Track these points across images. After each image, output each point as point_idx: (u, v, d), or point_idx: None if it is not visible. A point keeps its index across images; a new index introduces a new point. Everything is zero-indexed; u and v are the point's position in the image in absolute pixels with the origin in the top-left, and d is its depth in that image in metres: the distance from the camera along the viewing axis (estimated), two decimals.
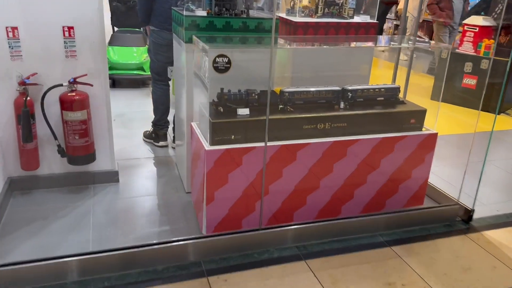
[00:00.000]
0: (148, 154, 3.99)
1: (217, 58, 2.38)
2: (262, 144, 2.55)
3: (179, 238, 2.48)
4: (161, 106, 4.02)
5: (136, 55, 6.23)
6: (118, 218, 2.80)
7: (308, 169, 2.75)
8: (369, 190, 2.96)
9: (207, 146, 2.56)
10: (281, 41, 3.04)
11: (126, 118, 4.91)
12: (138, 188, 3.37)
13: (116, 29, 6.91)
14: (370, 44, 3.33)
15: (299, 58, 3.14)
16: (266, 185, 2.70)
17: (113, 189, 3.33)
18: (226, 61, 2.41)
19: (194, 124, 2.89)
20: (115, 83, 6.16)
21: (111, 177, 3.28)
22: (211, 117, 2.59)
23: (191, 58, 2.87)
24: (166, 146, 4.15)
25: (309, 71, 3.12)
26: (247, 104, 2.72)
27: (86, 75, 3.01)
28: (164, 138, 4.14)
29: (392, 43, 3.59)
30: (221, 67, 2.41)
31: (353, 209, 2.97)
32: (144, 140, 4.26)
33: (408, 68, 3.50)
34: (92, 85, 3.02)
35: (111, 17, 6.76)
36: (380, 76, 6.84)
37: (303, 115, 2.70)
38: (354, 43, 3.31)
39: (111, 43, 6.33)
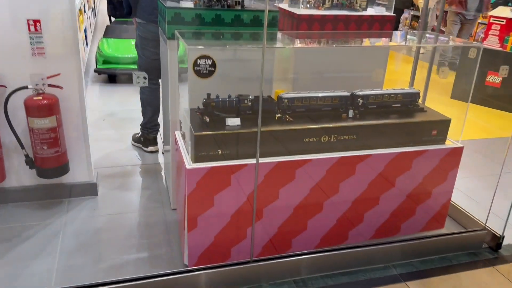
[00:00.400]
0: (135, 161, 3.59)
1: (198, 60, 1.97)
2: (255, 161, 2.13)
3: (155, 274, 2.09)
4: (150, 108, 3.61)
5: (133, 48, 5.81)
6: (90, 242, 2.42)
7: (309, 190, 2.33)
8: (382, 213, 2.53)
9: (188, 164, 2.15)
10: (280, 37, 2.60)
11: (117, 118, 4.52)
12: (118, 203, 2.97)
13: (113, 20, 6.51)
14: (385, 41, 2.88)
15: (301, 58, 2.70)
16: (260, 208, 2.28)
17: (90, 204, 2.95)
18: (210, 63, 1.99)
19: (177, 134, 2.48)
20: (111, 78, 5.77)
21: (88, 190, 2.90)
22: (194, 129, 2.18)
23: (175, 57, 2.45)
24: (156, 151, 3.76)
25: (312, 73, 2.69)
26: (239, 112, 2.30)
27: (59, 74, 2.61)
28: (154, 142, 3.74)
29: (410, 37, 3.12)
30: (204, 70, 1.99)
31: (363, 234, 2.54)
32: (132, 144, 3.87)
33: (429, 69, 3.04)
34: (61, 88, 2.61)
35: (107, 7, 6.35)
36: (395, 74, 6.35)
37: (305, 126, 2.28)
38: (367, 39, 2.86)
39: (106, 35, 5.93)
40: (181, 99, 2.55)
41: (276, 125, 2.30)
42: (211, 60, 1.98)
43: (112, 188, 3.17)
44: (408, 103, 2.59)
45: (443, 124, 2.54)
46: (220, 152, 2.22)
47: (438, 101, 2.66)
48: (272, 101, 2.39)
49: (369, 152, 2.38)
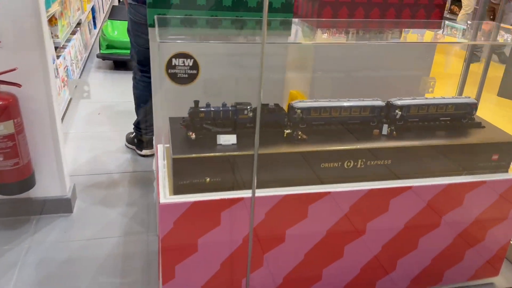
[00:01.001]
0: (124, 166, 3.08)
1: (173, 60, 1.40)
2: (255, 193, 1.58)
3: None
4: (144, 105, 3.08)
5: None
6: (51, 278, 1.94)
7: (326, 231, 1.76)
8: (421, 259, 1.95)
9: (164, 196, 1.60)
10: (295, 27, 2.00)
11: (115, 111, 4.01)
12: (95, 223, 2.47)
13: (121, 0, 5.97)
14: (433, 33, 2.23)
15: (323, 53, 2.10)
16: (259, 254, 1.73)
17: (62, 224, 2.45)
18: (191, 64, 1.42)
19: (160, 148, 1.93)
20: (116, 64, 5.26)
21: (61, 206, 2.38)
22: (173, 149, 1.63)
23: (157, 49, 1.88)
24: (152, 155, 3.23)
25: (337, 73, 2.08)
26: (235, 126, 1.73)
27: (15, 69, 2.08)
28: (149, 145, 3.22)
29: (457, 25, 2.46)
30: (182, 74, 1.43)
31: (396, 284, 1.96)
32: (126, 145, 3.36)
33: (485, 68, 2.39)
34: (20, 86, 2.09)
35: None
36: (441, 74, 5.62)
37: (323, 147, 1.70)
38: (408, 30, 2.23)
39: (111, 16, 5.40)
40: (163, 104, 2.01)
41: (284, 145, 1.73)
42: (192, 60, 1.41)
43: (92, 203, 2.66)
44: (462, 116, 1.96)
45: (507, 147, 1.91)
46: (208, 181, 1.67)
47: (482, 99, 2.02)
48: (280, 112, 1.81)
49: (409, 184, 1.78)
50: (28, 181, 2.28)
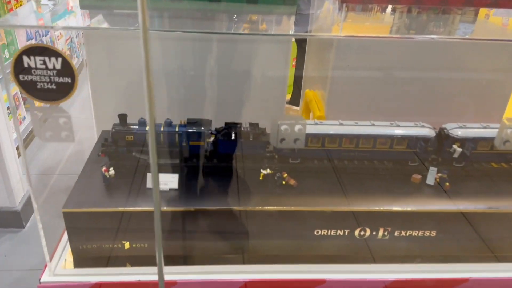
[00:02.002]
0: None
1: (24, 57, 0.75)
2: (201, 276, 0.93)
3: None
4: None
5: None
6: None
7: None
8: None
9: (50, 272, 0.99)
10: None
11: None
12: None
13: None
14: None
15: (346, 44, 1.36)
16: None
17: (5, 243, 1.95)
18: (59, 66, 0.76)
19: None
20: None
21: (10, 220, 1.87)
22: (69, 197, 1.01)
23: None
24: None
25: (364, 75, 1.35)
26: (183, 159, 1.07)
27: None
28: None
29: None
30: (44, 84, 0.77)
31: None
32: None
33: None
34: None
35: None
36: None
37: (319, 204, 1.01)
38: (488, 15, 1.41)
39: None
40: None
41: (258, 196, 1.05)
42: (61, 61, 0.76)
43: (53, 215, 2.12)
44: None
45: None
46: (127, 246, 1.04)
47: None
48: (257, 136, 1.12)
49: (466, 273, 1.05)
50: None
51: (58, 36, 3.07)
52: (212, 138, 1.12)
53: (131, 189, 1.06)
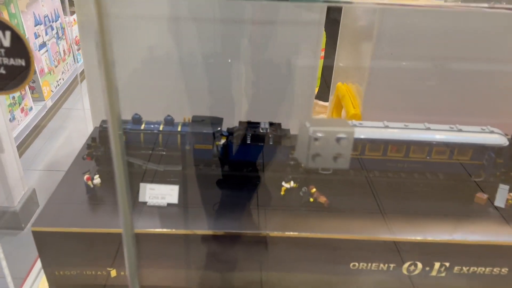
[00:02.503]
0: None
1: None
2: None
3: None
4: None
5: None
6: None
7: None
8: None
9: None
10: None
11: None
12: None
13: None
14: None
15: (392, 24, 1.11)
16: None
17: (4, 245, 1.76)
18: (8, 44, 0.55)
19: None
20: None
21: (9, 221, 1.72)
22: (41, 213, 0.80)
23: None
24: None
25: (413, 66, 1.10)
26: (185, 165, 0.85)
27: None
28: None
29: None
30: None
31: None
32: None
33: None
34: None
35: None
36: None
37: (358, 231, 0.76)
38: None
39: None
40: None
41: (276, 217, 0.82)
42: (9, 33, 0.54)
43: None
44: None
45: None
46: (112, 275, 0.82)
47: None
48: (282, 137, 0.89)
49: None
50: None
51: (71, 23, 2.89)
52: (222, 141, 0.90)
53: (115, 202, 0.84)
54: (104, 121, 0.89)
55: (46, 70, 2.40)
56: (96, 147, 0.90)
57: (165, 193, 0.84)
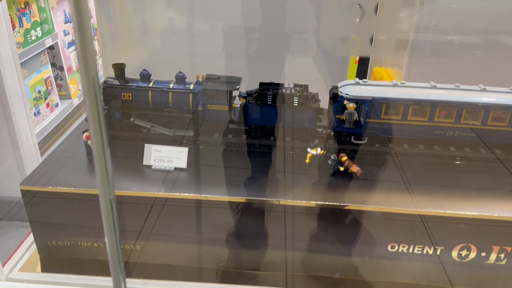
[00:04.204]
0: None
1: None
2: None
3: None
4: None
5: None
6: None
7: None
8: None
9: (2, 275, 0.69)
10: None
11: None
12: None
13: None
14: None
15: None
16: None
17: (15, 237, 1.69)
18: None
19: None
20: None
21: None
22: (32, 173, 0.70)
23: None
24: None
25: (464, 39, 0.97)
26: (198, 128, 0.74)
27: None
28: None
29: None
30: None
31: None
32: None
33: None
34: None
35: None
36: None
37: (393, 208, 0.62)
38: None
39: None
40: None
41: (299, 186, 0.69)
42: None
43: None
44: None
45: None
46: None
47: None
48: (309, 99, 0.77)
49: None
50: None
51: None
52: (241, 103, 0.78)
53: (122, 165, 0.74)
54: (109, 78, 0.80)
55: (74, 68, 2.37)
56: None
57: (172, 156, 0.73)
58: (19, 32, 1.85)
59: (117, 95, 0.78)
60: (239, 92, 0.79)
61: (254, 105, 0.77)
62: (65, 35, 2.28)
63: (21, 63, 1.71)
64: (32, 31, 2.02)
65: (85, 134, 0.75)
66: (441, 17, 1.00)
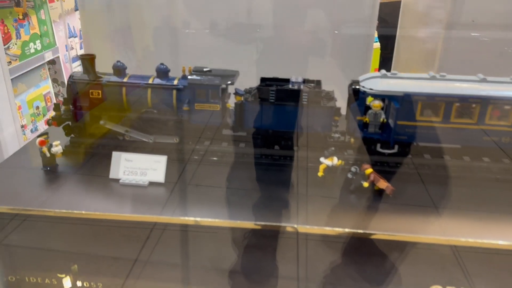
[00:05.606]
0: None
1: None
2: None
3: None
4: None
5: None
6: None
7: None
8: None
9: None
10: None
11: None
12: None
13: None
14: None
15: None
16: None
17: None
18: None
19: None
20: None
21: None
22: None
23: None
24: None
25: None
26: (180, 129, 0.57)
27: None
28: None
29: None
30: None
31: None
32: None
33: None
34: None
35: None
36: None
37: (430, 231, 0.43)
38: None
39: None
40: None
41: (312, 209, 0.51)
42: None
43: None
44: None
45: None
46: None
47: None
48: (323, 97, 0.60)
49: None
50: None
51: None
52: (236, 102, 0.62)
53: (86, 180, 0.58)
54: (76, 73, 0.65)
55: None
56: (67, 110, 0.66)
57: (146, 166, 0.57)
58: (15, 44, 1.74)
59: (85, 92, 0.63)
60: (235, 88, 0.63)
61: (252, 104, 0.61)
62: (67, 50, 2.18)
63: (18, 77, 1.59)
64: (31, 44, 1.90)
65: (39, 139, 0.59)
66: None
